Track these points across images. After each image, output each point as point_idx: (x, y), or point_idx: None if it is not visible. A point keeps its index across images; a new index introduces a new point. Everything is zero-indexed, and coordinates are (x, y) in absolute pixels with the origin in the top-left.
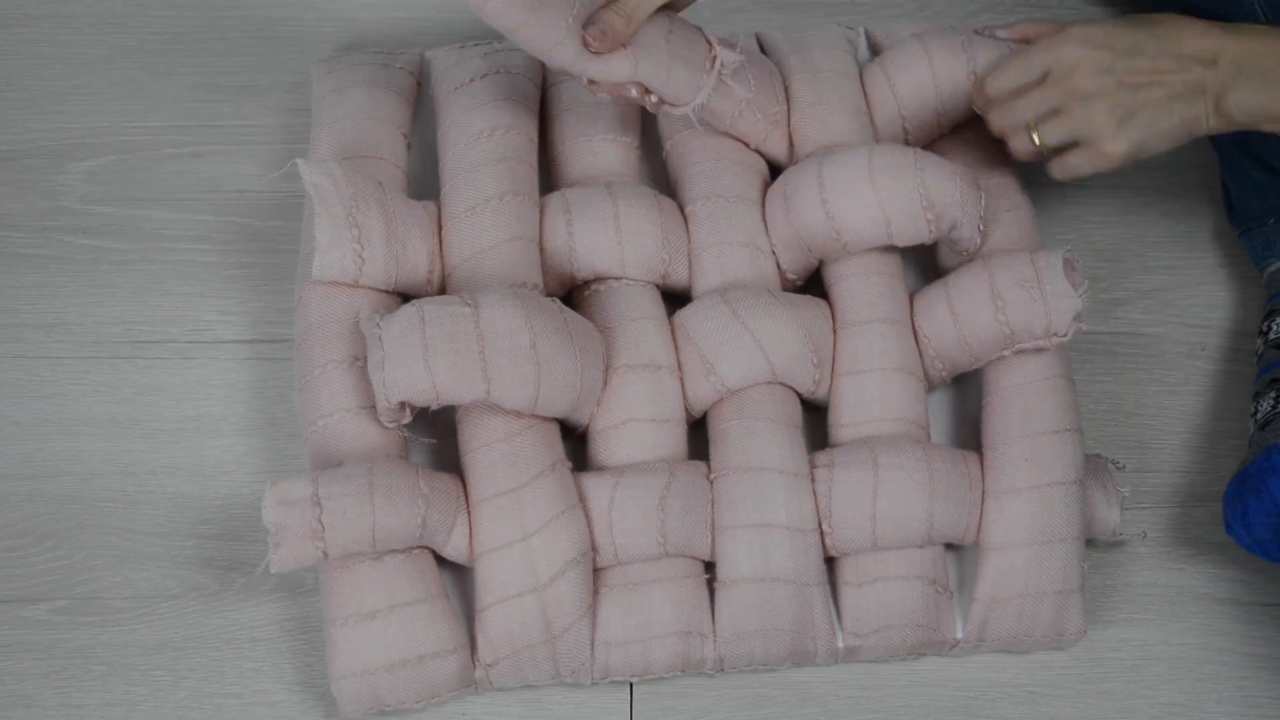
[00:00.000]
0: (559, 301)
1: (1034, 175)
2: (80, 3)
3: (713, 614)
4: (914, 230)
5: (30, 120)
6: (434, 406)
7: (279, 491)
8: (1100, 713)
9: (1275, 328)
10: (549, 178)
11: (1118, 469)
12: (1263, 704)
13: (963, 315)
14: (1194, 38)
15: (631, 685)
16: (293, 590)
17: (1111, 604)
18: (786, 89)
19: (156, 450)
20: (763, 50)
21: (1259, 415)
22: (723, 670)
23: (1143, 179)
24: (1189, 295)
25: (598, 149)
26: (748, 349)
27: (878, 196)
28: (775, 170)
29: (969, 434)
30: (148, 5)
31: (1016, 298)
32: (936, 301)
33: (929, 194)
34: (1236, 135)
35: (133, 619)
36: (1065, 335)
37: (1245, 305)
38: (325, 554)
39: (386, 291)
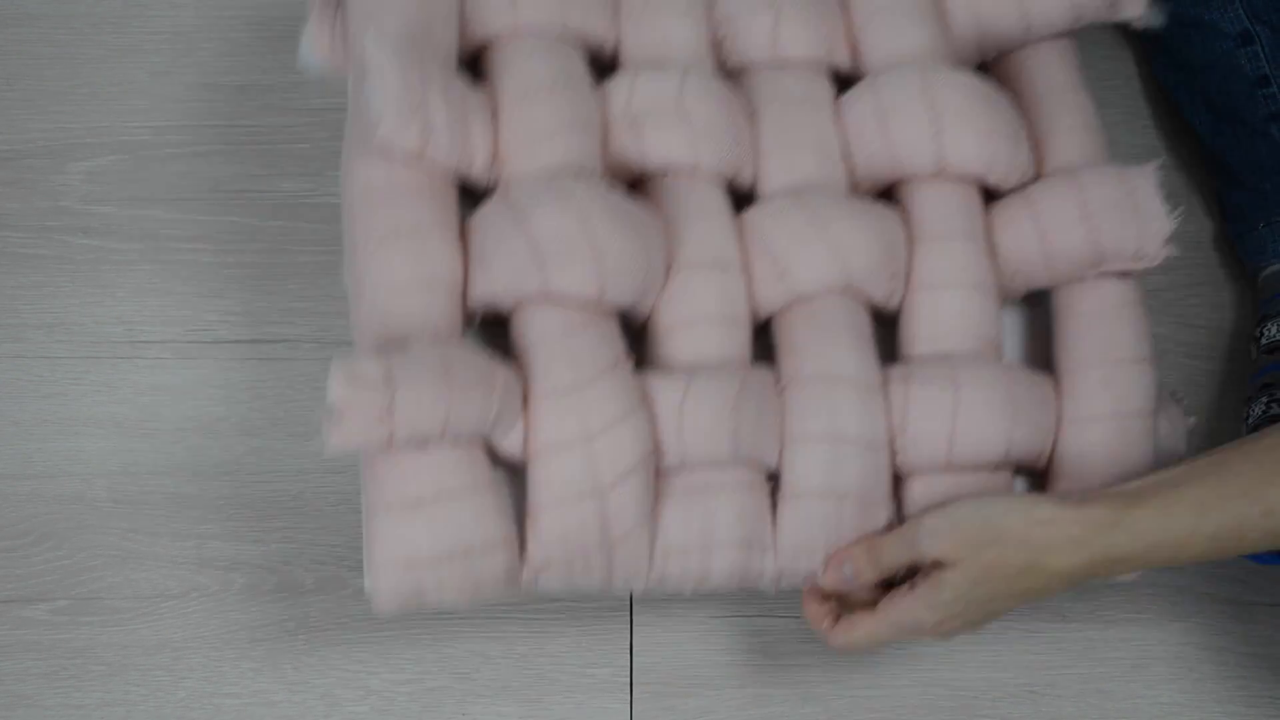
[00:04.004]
0: (603, 181)
1: None
2: (80, 3)
3: (774, 526)
4: (1010, 171)
5: (30, 120)
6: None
7: (349, 368)
8: (1101, 713)
9: (1268, 333)
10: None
11: (1176, 402)
12: (1263, 704)
13: (1050, 233)
14: None
15: (631, 686)
16: (293, 590)
17: (1111, 604)
18: None
19: (156, 450)
20: None
21: (1250, 420)
22: (780, 586)
23: None
24: (1189, 295)
25: (668, 25)
26: (824, 254)
27: (991, 125)
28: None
29: (1037, 356)
30: (148, 5)
31: (1109, 218)
32: (1020, 217)
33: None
34: (1221, 138)
35: (133, 619)
36: (1155, 259)
37: (1244, 305)
38: (391, 438)
39: (444, 178)
